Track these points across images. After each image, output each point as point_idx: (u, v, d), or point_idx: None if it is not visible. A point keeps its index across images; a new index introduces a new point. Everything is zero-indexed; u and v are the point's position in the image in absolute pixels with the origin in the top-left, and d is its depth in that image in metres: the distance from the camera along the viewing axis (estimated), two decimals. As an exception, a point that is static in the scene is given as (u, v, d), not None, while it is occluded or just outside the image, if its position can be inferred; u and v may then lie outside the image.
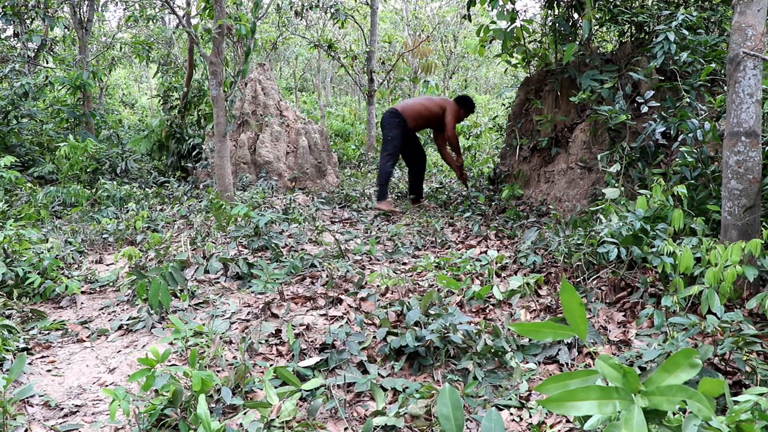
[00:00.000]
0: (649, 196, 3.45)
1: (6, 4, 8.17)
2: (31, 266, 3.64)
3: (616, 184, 4.23)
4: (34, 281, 3.48)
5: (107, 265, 4.34)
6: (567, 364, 2.58)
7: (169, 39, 12.39)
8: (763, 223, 3.08)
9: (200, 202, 6.30)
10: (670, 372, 1.07)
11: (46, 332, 3.05)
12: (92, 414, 2.25)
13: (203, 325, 2.84)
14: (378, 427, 2.07)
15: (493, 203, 5.94)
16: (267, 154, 7.90)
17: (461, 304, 3.27)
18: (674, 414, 1.34)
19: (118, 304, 3.45)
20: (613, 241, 3.26)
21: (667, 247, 2.91)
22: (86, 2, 9.53)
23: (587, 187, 5.14)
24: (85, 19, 9.54)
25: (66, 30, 9.98)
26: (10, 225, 4.21)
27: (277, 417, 2.06)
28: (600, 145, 5.13)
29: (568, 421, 2.14)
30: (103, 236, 4.95)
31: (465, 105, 6.44)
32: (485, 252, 4.19)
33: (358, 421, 2.20)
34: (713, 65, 4.30)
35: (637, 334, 2.77)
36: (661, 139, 4.38)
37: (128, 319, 3.14)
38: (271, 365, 2.54)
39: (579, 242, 3.62)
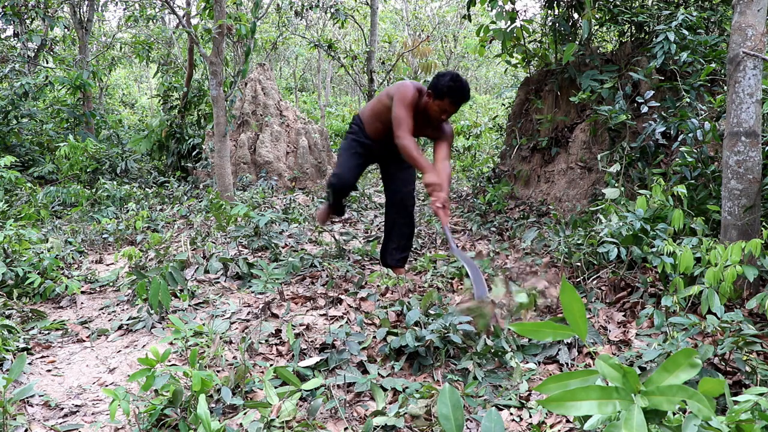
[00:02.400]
0: (649, 196, 3.45)
1: (6, 4, 8.17)
2: (31, 266, 3.63)
3: (616, 184, 4.23)
4: (34, 281, 3.48)
5: (107, 265, 4.34)
6: (567, 364, 2.58)
7: (169, 39, 12.39)
8: (763, 223, 3.08)
9: (200, 202, 6.30)
10: (670, 372, 1.07)
11: (46, 332, 3.05)
12: (92, 414, 2.25)
13: (203, 325, 2.84)
14: (378, 427, 2.07)
15: (492, 204, 5.95)
16: (267, 154, 7.90)
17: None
18: (674, 414, 1.34)
19: (118, 304, 3.45)
20: (613, 241, 3.27)
21: (667, 247, 2.91)
22: (86, 2, 9.53)
23: (587, 187, 5.14)
24: (85, 19, 9.54)
25: (66, 30, 9.98)
26: (10, 225, 4.21)
27: (277, 417, 2.06)
28: (600, 145, 5.13)
29: (568, 421, 2.14)
30: (103, 236, 4.95)
31: (435, 89, 3.42)
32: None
33: (358, 421, 2.19)
34: (713, 65, 4.30)
35: (637, 334, 2.77)
36: (661, 139, 4.38)
37: (128, 319, 3.14)
38: (271, 365, 2.54)
39: (579, 242, 3.62)
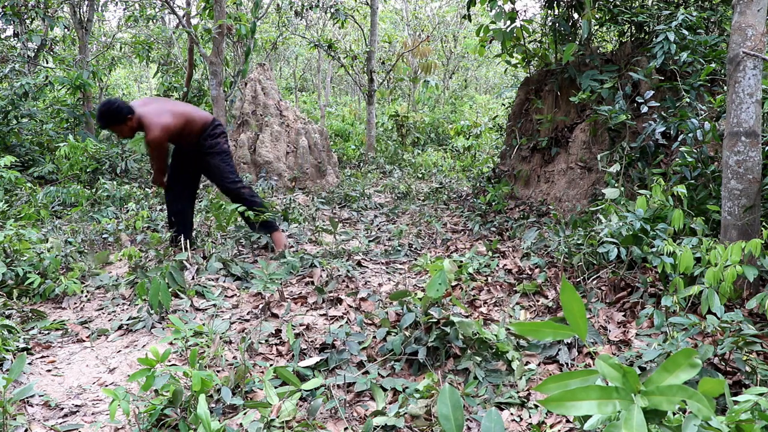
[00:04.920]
0: (649, 196, 3.45)
1: (6, 4, 8.17)
2: (31, 266, 3.63)
3: (616, 184, 4.23)
4: (34, 281, 3.47)
5: (107, 264, 4.34)
6: (567, 364, 2.58)
7: (169, 39, 12.39)
8: (763, 223, 3.08)
9: (200, 202, 6.30)
10: (670, 372, 1.07)
11: (46, 332, 3.04)
12: (92, 414, 2.25)
13: (203, 325, 2.84)
14: (378, 427, 2.07)
15: (492, 204, 5.95)
16: (267, 154, 7.90)
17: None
18: (674, 414, 1.34)
19: (118, 305, 3.44)
20: (613, 241, 3.27)
21: (667, 247, 2.91)
22: (86, 2, 9.53)
23: (587, 187, 5.14)
24: (85, 19, 9.54)
25: (66, 30, 9.98)
26: (10, 225, 4.21)
27: (277, 417, 2.06)
28: (600, 145, 5.13)
29: (568, 421, 2.14)
30: (103, 236, 4.95)
31: None
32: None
33: (358, 421, 2.20)
34: (713, 65, 4.30)
35: (637, 334, 2.77)
36: (661, 139, 4.38)
37: (128, 319, 3.14)
38: (271, 365, 2.54)
39: (579, 242, 3.62)
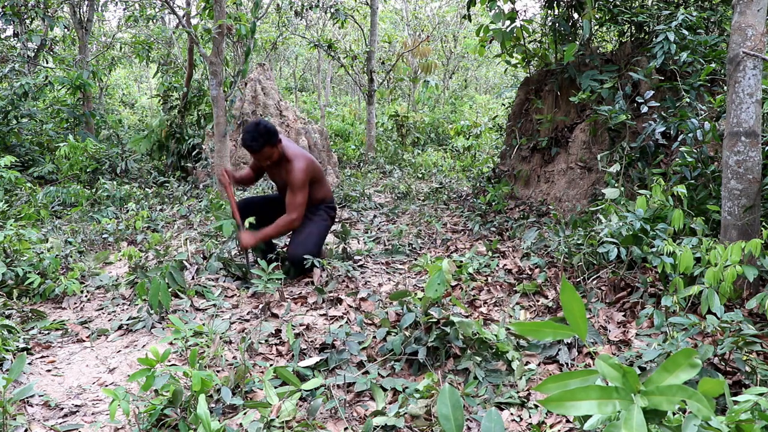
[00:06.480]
0: (649, 196, 3.45)
1: (6, 4, 8.17)
2: (31, 266, 3.63)
3: (616, 184, 4.23)
4: (34, 281, 3.47)
5: (107, 264, 4.34)
6: (567, 364, 2.58)
7: (169, 39, 12.38)
8: (763, 223, 3.08)
9: (200, 202, 6.30)
10: (670, 372, 1.07)
11: (46, 332, 3.04)
12: (92, 414, 2.25)
13: (203, 325, 2.84)
14: (378, 427, 2.07)
15: (492, 204, 5.94)
16: (267, 154, 7.89)
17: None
18: (674, 414, 1.34)
19: (118, 305, 3.44)
20: (613, 241, 3.27)
21: (667, 247, 2.91)
22: (86, 2, 9.53)
23: (587, 187, 5.14)
24: (85, 19, 9.54)
25: (66, 30, 9.98)
26: (10, 225, 4.21)
27: (277, 417, 2.06)
28: (600, 145, 5.13)
29: (568, 421, 2.14)
30: (103, 236, 4.95)
31: None
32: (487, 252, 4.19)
33: (358, 421, 2.20)
34: (713, 65, 4.30)
35: (637, 334, 2.77)
36: (661, 139, 4.38)
37: (128, 319, 3.14)
38: (271, 365, 2.54)
39: (579, 242, 3.62)
